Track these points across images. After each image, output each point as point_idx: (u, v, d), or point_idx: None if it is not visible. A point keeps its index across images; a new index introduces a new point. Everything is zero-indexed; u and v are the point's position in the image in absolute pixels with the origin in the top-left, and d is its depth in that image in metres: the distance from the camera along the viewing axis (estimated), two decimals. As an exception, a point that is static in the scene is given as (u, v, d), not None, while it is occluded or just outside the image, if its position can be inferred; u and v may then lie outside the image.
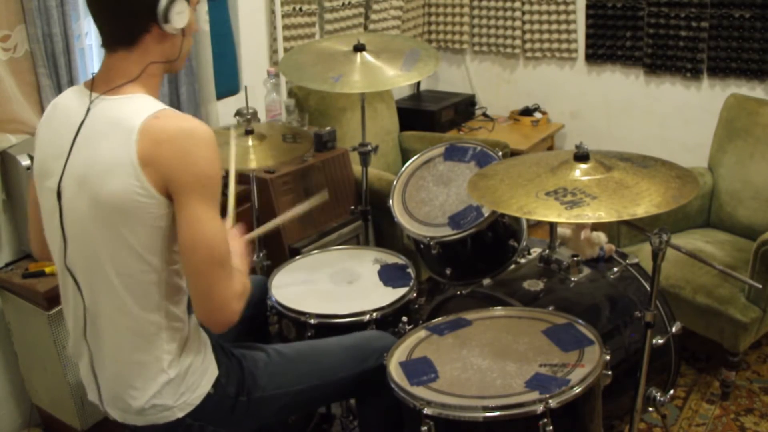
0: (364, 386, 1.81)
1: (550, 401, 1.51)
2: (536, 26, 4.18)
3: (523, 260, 2.26)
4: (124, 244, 1.41)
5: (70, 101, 1.49)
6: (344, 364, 1.78)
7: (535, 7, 4.14)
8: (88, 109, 1.43)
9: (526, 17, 4.19)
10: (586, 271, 2.17)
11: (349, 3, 3.75)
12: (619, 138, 4.07)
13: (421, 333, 1.85)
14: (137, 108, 1.40)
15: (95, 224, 1.42)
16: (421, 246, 2.21)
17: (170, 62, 1.51)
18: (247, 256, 1.68)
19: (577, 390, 1.55)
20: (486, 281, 2.16)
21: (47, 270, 2.28)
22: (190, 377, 1.53)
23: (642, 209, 1.57)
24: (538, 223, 3.40)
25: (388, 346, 1.81)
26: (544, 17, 4.13)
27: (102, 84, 1.45)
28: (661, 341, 1.84)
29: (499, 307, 1.95)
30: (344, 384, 1.79)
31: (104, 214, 1.40)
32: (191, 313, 1.58)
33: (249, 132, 2.42)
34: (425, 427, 1.54)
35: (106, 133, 1.39)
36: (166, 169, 1.37)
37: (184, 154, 1.37)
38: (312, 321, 1.99)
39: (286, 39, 3.43)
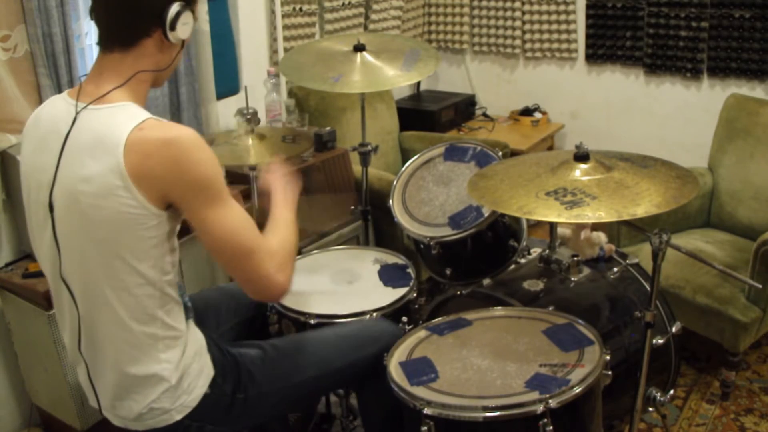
0: (364, 376, 1.81)
1: (550, 401, 1.51)
2: (536, 26, 4.18)
3: (523, 260, 2.26)
4: (117, 258, 1.41)
5: (54, 111, 1.47)
6: (341, 353, 1.78)
7: (535, 7, 4.14)
8: (74, 120, 1.41)
9: (526, 17, 4.19)
10: (586, 271, 2.17)
11: (349, 3, 3.75)
12: (619, 138, 4.07)
13: (421, 333, 1.85)
14: (122, 120, 1.39)
15: (88, 240, 1.41)
16: (421, 246, 2.21)
17: (159, 71, 1.50)
18: (293, 187, 1.72)
19: (577, 390, 1.55)
20: (486, 281, 2.16)
21: (47, 270, 2.28)
22: (186, 380, 1.53)
23: (642, 209, 1.57)
24: (538, 223, 3.39)
25: (385, 331, 1.81)
26: (544, 17, 4.13)
27: (90, 90, 1.44)
28: (661, 341, 1.84)
29: (499, 307, 1.95)
30: (342, 373, 1.79)
31: (97, 230, 1.40)
32: (188, 318, 1.58)
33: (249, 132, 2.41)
34: (425, 427, 1.54)
35: (93, 148, 1.38)
36: (162, 183, 1.37)
37: (174, 165, 1.37)
38: (312, 321, 1.98)
39: (286, 39, 3.43)
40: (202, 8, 2.92)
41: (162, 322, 1.48)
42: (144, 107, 1.48)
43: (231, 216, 1.43)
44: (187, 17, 1.45)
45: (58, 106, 1.48)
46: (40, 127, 1.49)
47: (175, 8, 1.42)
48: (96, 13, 1.44)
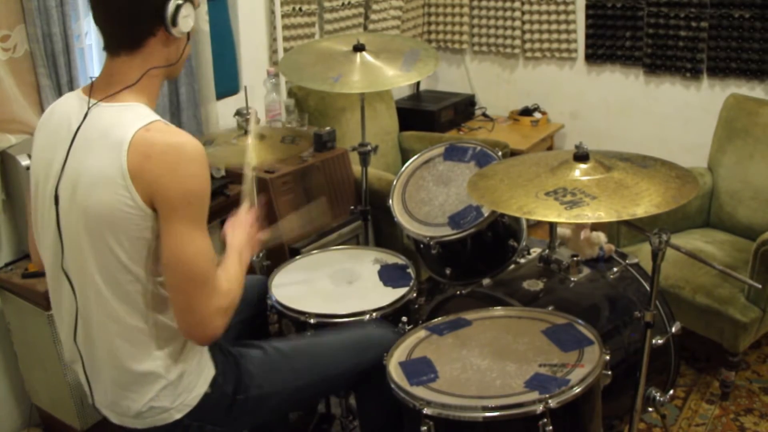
0: (363, 380, 1.81)
1: (549, 401, 1.51)
2: (536, 26, 4.18)
3: (522, 260, 2.26)
4: (110, 253, 1.41)
5: (68, 107, 1.49)
6: (342, 358, 1.79)
7: (535, 7, 4.14)
8: (86, 115, 1.43)
9: (526, 17, 4.19)
10: (586, 271, 2.17)
11: (349, 3, 3.75)
12: (619, 138, 4.07)
13: (421, 333, 1.85)
14: (131, 119, 1.40)
15: (86, 233, 1.42)
16: (421, 246, 2.21)
17: (171, 66, 1.51)
18: (253, 246, 1.69)
19: (577, 390, 1.55)
20: (486, 281, 2.16)
21: (47, 270, 2.28)
22: (186, 378, 1.53)
23: (642, 209, 1.57)
24: (538, 223, 3.40)
25: (386, 338, 1.81)
26: (544, 17, 4.13)
27: (101, 89, 1.45)
28: (660, 341, 1.84)
29: (498, 307, 1.95)
30: (342, 378, 1.79)
31: (92, 223, 1.40)
32: None
33: (248, 132, 2.41)
34: (425, 427, 1.54)
35: (98, 142, 1.39)
36: (154, 184, 1.37)
37: (171, 170, 1.37)
38: (312, 321, 1.99)
39: (286, 39, 3.43)
40: (202, 8, 2.92)
41: (155, 320, 1.48)
42: (156, 102, 1.49)
43: (199, 242, 1.41)
44: (187, 9, 1.45)
45: (72, 102, 1.49)
46: (52, 121, 1.51)
47: (173, 3, 1.42)
48: (97, 20, 1.45)
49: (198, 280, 1.41)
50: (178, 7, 1.43)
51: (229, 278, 1.51)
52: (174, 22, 1.43)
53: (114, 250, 1.41)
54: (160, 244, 1.41)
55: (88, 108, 1.43)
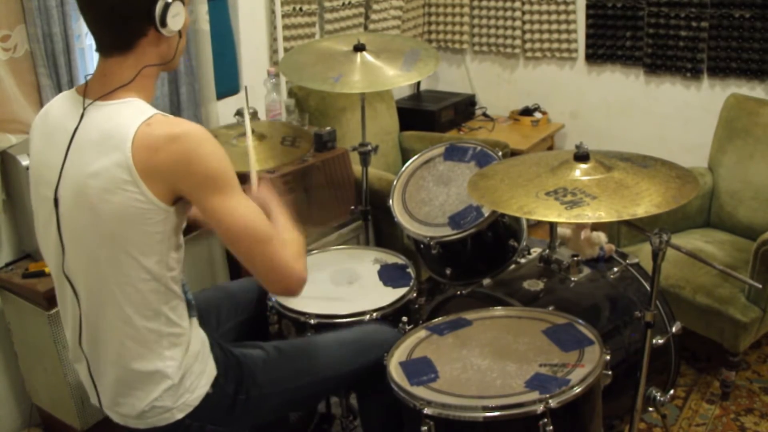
0: (364, 380, 1.81)
1: (550, 401, 1.51)
2: (536, 26, 4.18)
3: (523, 260, 2.26)
4: (124, 253, 1.41)
5: (63, 107, 1.48)
6: (343, 359, 1.78)
7: (535, 7, 4.14)
8: (82, 116, 1.42)
9: (526, 17, 4.19)
10: (586, 271, 2.17)
11: (349, 3, 3.75)
12: (619, 138, 4.07)
13: (421, 333, 1.85)
14: (129, 115, 1.39)
15: (95, 235, 1.41)
16: (421, 246, 2.21)
17: (165, 63, 1.50)
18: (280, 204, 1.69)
19: (577, 390, 1.55)
20: (486, 281, 2.16)
21: (47, 270, 2.27)
22: (188, 378, 1.53)
23: (642, 209, 1.57)
24: (538, 223, 3.40)
25: (387, 339, 1.81)
26: (544, 17, 4.13)
27: (96, 88, 1.44)
28: (661, 341, 1.84)
29: (499, 307, 1.95)
30: (343, 378, 1.79)
31: (104, 225, 1.40)
32: (192, 316, 1.58)
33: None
34: (425, 427, 1.54)
35: (100, 143, 1.39)
36: (170, 178, 1.37)
37: (182, 159, 1.37)
38: (312, 321, 1.99)
39: (286, 39, 3.43)
40: (202, 8, 2.92)
41: (166, 318, 1.48)
42: (152, 99, 1.49)
43: (243, 205, 1.44)
44: (176, 8, 1.43)
45: (67, 102, 1.49)
46: (48, 123, 1.50)
47: (161, 3, 1.41)
48: (87, 23, 1.44)
49: (262, 238, 1.45)
50: (166, 7, 1.41)
51: (286, 227, 1.56)
52: (163, 22, 1.42)
53: (127, 249, 1.41)
54: (212, 227, 1.44)
55: (84, 108, 1.42)
